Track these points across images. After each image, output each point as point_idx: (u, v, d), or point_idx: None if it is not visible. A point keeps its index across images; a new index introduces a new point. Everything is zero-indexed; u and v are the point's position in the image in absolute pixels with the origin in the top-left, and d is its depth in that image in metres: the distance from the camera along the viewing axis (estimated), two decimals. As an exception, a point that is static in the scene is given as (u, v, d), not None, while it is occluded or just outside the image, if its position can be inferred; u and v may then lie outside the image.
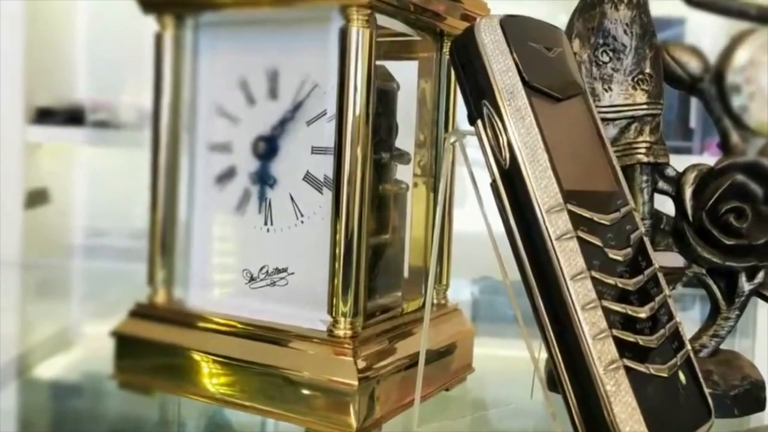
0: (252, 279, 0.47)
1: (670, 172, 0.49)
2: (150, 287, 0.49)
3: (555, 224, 0.32)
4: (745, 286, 0.48)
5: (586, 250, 0.32)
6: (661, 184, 0.49)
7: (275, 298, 0.46)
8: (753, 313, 0.58)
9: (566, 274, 0.31)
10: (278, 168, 0.46)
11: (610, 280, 0.32)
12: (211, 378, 0.45)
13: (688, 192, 0.48)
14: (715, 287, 0.48)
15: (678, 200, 0.48)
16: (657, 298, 0.34)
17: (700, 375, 0.34)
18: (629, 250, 0.34)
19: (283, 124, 0.45)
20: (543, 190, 0.33)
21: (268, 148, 0.46)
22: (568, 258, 0.31)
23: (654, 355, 0.32)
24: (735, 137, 0.49)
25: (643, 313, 0.33)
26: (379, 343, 0.44)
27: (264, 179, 0.46)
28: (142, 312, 0.48)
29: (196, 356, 0.45)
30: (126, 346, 0.48)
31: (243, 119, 0.47)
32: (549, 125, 0.34)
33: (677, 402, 0.32)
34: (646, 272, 0.34)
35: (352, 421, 0.40)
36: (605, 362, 0.31)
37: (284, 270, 0.46)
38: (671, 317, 0.34)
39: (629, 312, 0.32)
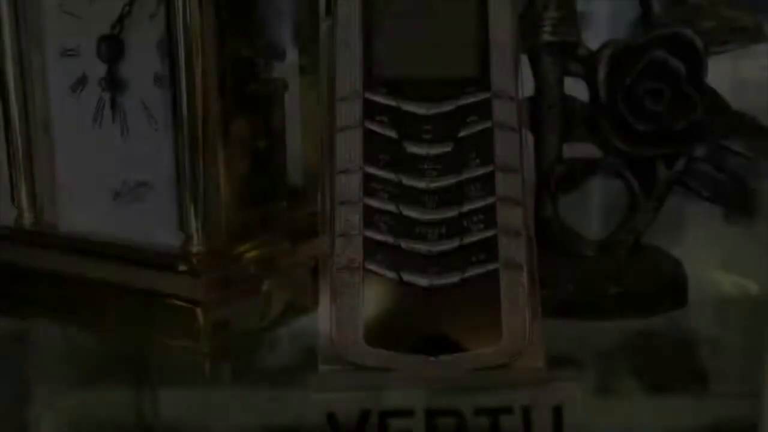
0: (117, 195, 0.50)
1: (581, 51, 0.50)
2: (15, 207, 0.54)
3: (343, 114, 0.34)
4: (664, 175, 0.49)
5: (372, 143, 0.34)
6: (572, 66, 0.50)
7: (138, 214, 0.50)
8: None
9: (337, 168, 0.33)
10: (126, 71, 0.49)
11: (392, 176, 0.33)
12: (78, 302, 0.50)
13: (601, 73, 0.49)
14: (632, 179, 0.50)
15: (590, 83, 0.49)
16: (468, 203, 0.34)
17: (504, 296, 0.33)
18: (448, 145, 0.34)
19: (121, 19, 0.47)
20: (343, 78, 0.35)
21: (111, 48, 0.48)
22: (346, 151, 0.33)
23: (424, 263, 0.33)
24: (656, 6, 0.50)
25: (426, 216, 0.33)
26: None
27: (114, 84, 0.49)
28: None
29: (63, 280, 0.50)
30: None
31: (85, 17, 0.49)
32: None
33: (438, 316, 0.32)
34: (467, 174, 0.34)
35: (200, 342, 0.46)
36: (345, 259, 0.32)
37: (144, 183, 0.50)
38: (488, 226, 0.33)
39: (407, 214, 0.33)
